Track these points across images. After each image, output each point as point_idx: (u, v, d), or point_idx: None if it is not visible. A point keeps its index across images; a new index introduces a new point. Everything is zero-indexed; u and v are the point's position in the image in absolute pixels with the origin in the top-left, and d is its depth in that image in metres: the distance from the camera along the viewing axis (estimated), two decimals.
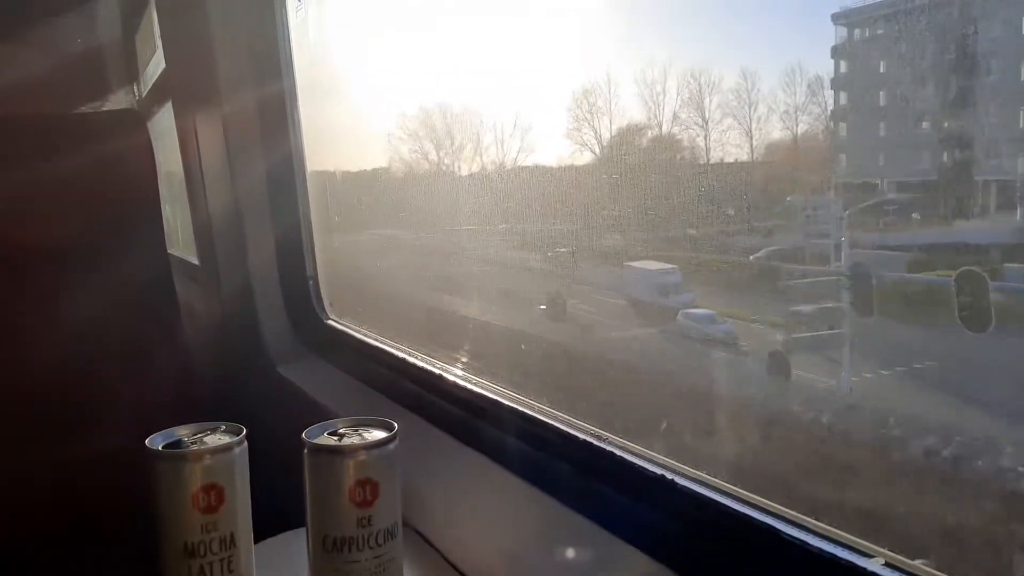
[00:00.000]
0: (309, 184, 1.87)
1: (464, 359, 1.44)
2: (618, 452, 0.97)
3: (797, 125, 0.97)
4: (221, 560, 0.86)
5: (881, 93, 0.89)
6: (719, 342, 1.12)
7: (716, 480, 0.88)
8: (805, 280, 1.02)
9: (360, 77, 1.72)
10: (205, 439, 0.89)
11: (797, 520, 0.80)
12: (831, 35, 0.89)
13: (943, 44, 0.76)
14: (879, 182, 0.92)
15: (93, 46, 2.82)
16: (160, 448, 0.87)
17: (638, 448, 0.97)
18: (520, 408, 1.16)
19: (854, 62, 0.91)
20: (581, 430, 1.04)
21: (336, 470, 0.85)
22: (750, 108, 0.99)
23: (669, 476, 0.90)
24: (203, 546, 0.85)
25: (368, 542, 0.85)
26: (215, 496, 0.85)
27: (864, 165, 0.94)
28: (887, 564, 0.71)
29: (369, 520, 0.85)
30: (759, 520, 0.81)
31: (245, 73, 1.81)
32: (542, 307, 1.42)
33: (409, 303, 1.90)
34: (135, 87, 2.96)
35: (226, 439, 0.89)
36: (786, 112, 0.96)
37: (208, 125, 1.89)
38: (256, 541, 0.92)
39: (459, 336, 1.62)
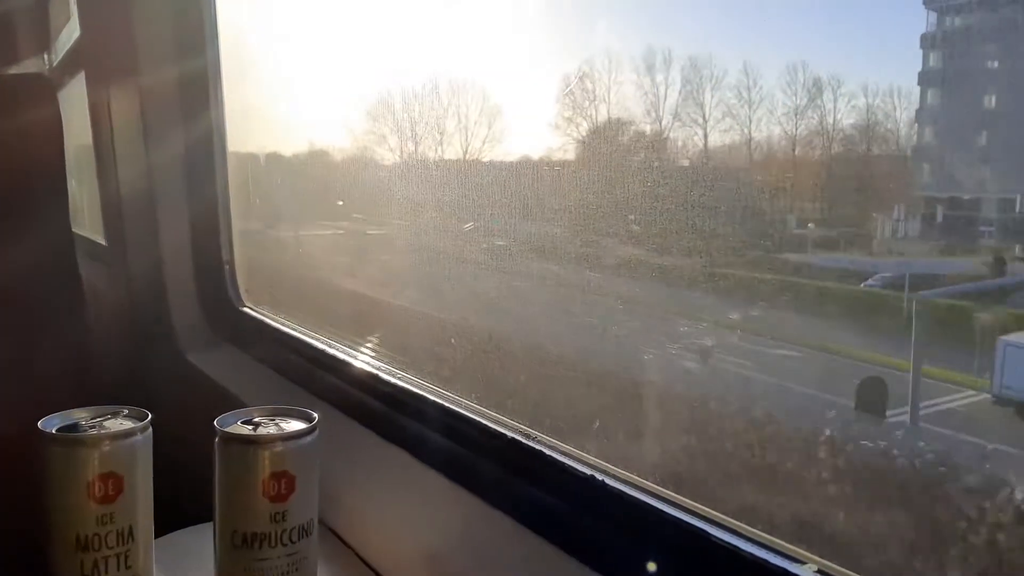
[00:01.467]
0: (230, 165, 1.78)
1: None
2: (547, 451, 0.94)
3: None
4: (117, 555, 0.79)
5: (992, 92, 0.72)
6: None
7: (646, 483, 0.86)
8: None
9: (295, 55, 1.65)
10: (105, 423, 0.82)
11: (728, 524, 0.78)
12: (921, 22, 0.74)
13: None
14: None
15: (1, 8, 2.66)
16: (54, 431, 0.79)
17: (568, 448, 0.94)
18: (445, 403, 1.12)
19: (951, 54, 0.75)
20: (508, 427, 1.01)
21: (249, 461, 0.80)
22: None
23: (599, 477, 0.87)
24: (98, 539, 0.78)
25: (281, 539, 0.80)
26: (113, 485, 0.79)
27: (958, 177, 0.78)
28: (819, 571, 0.71)
29: (283, 516, 0.80)
30: (689, 523, 0.79)
31: (166, 44, 1.71)
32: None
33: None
34: (46, 55, 2.80)
35: (128, 424, 0.82)
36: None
37: (123, 98, 1.78)
38: (157, 535, 0.86)
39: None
